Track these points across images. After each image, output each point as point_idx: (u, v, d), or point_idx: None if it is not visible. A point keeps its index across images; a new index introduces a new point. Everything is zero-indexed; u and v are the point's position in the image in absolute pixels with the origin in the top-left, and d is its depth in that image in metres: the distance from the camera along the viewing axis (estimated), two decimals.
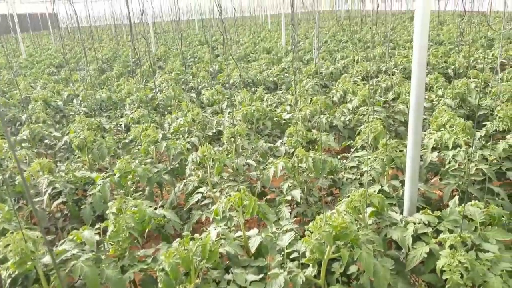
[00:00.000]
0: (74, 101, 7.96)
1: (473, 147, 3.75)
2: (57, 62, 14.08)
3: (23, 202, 4.15)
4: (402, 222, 2.66)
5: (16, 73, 11.51)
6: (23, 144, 5.48)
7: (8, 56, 14.98)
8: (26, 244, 2.22)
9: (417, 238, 2.47)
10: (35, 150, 5.28)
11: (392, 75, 7.47)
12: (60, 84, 9.63)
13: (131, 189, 4.01)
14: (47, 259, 2.32)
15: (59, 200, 3.87)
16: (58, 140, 5.69)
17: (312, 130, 4.89)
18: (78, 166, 4.52)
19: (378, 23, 14.78)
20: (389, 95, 6.21)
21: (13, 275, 2.29)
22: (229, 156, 4.14)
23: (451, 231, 2.43)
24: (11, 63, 13.80)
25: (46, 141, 5.79)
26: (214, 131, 5.53)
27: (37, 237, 2.35)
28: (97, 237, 2.59)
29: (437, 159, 3.96)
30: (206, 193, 3.75)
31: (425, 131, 4.56)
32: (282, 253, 2.44)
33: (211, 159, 3.77)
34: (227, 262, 2.52)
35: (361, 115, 5.40)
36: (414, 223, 2.52)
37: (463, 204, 2.64)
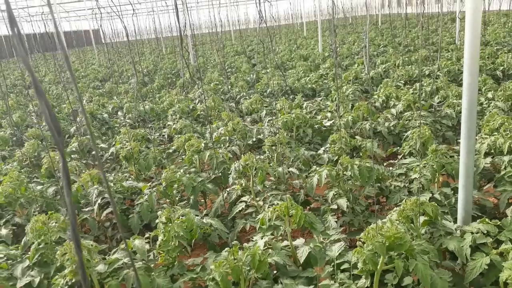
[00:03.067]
0: (119, 113, 8.24)
1: None
2: (101, 76, 14.67)
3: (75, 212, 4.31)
4: (457, 232, 2.54)
5: (64, 88, 12.08)
6: (72, 156, 5.73)
7: (55, 72, 15.78)
8: (82, 253, 2.29)
9: (475, 248, 2.34)
10: (84, 162, 5.50)
11: (437, 78, 7.22)
12: (105, 97, 10.02)
13: (177, 198, 4.07)
14: (101, 267, 2.39)
15: (108, 210, 3.99)
16: (105, 152, 5.90)
17: (355, 137, 4.80)
18: (125, 176, 4.65)
19: (418, 26, 14.40)
20: (435, 99, 6.00)
21: (69, 283, 2.37)
22: (271, 164, 4.13)
23: None
24: (59, 79, 14.51)
25: (93, 152, 6.01)
26: (254, 139, 5.54)
27: (91, 245, 2.43)
28: (147, 246, 2.64)
29: (490, 165, 3.77)
30: (249, 201, 3.75)
31: (476, 135, 4.35)
32: (332, 263, 2.39)
33: (254, 168, 3.78)
34: (275, 272, 2.50)
35: (406, 120, 5.24)
36: (472, 233, 2.39)
37: None
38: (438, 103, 5.93)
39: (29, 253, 2.78)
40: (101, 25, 4.84)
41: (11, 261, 2.89)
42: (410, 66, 8.54)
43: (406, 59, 9.88)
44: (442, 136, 5.19)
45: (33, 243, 2.74)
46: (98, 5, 4.78)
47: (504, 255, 2.20)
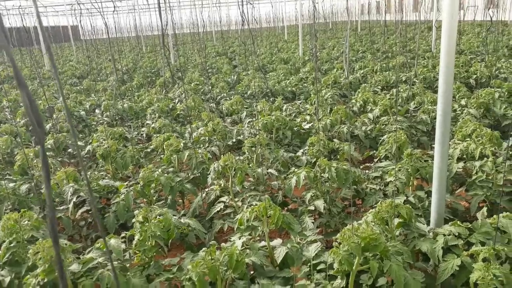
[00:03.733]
0: (97, 111, 8.11)
1: (502, 157, 3.67)
2: (79, 73, 14.38)
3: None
4: (430, 234, 2.61)
5: (40, 84, 11.80)
6: (48, 153, 5.59)
7: (32, 67, 15.41)
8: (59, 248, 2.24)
9: (447, 250, 2.41)
10: (59, 159, 5.38)
11: (413, 85, 7.40)
12: (82, 94, 9.83)
13: (154, 198, 4.03)
14: (74, 267, 2.34)
15: (84, 209, 3.92)
16: (81, 150, 5.78)
17: (333, 140, 4.86)
18: (102, 175, 4.58)
19: (396, 33, 14.72)
20: (411, 105, 6.14)
21: (41, 283, 2.31)
22: (250, 165, 4.14)
23: (483, 244, 2.36)
24: (35, 74, 14.16)
25: (69, 150, 5.89)
26: (234, 140, 5.55)
27: (65, 244, 2.38)
28: (123, 246, 2.61)
29: (462, 169, 3.89)
30: (228, 202, 3.75)
31: (449, 141, 4.48)
32: (309, 264, 2.41)
33: (233, 169, 3.78)
34: (253, 272, 2.50)
35: (382, 124, 5.35)
36: (444, 235, 2.46)
37: (494, 216, 2.58)
38: (413, 108, 6.07)
39: None
40: (80, 22, 4.76)
41: None
42: (387, 72, 8.71)
43: (384, 65, 10.08)
44: (417, 141, 5.31)
45: (4, 241, 2.66)
46: (78, 1, 4.69)
47: (475, 256, 2.27)
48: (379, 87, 8.06)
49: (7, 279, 2.52)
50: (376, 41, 16.72)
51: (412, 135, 5.35)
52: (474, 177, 3.58)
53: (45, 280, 2.28)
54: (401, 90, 6.90)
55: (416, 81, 7.98)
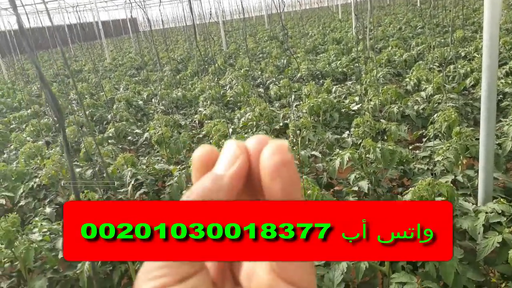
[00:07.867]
0: (153, 100, 8.55)
1: None
2: (137, 65, 15.11)
3: (111, 193, 4.61)
4: (473, 212, 2.56)
5: (102, 76, 12.59)
6: (109, 141, 6.05)
7: (94, 61, 16.40)
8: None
9: (489, 227, 2.36)
10: (120, 146, 5.80)
11: (472, 60, 6.99)
12: (140, 84, 10.37)
13: None
14: None
15: (141, 191, 4.24)
16: (140, 137, 6.19)
17: (382, 120, 4.79)
18: (158, 159, 4.89)
19: (459, 5, 13.83)
20: (467, 82, 5.84)
21: None
22: (294, 148, 4.22)
23: None
24: (97, 67, 15.11)
25: (129, 137, 6.32)
26: (281, 124, 5.64)
27: None
28: None
29: None
30: None
31: (507, 118, 4.25)
32: None
33: None
34: None
35: (436, 103, 5.16)
36: (486, 212, 2.41)
37: None
38: (471, 86, 5.77)
39: None
40: (131, 15, 5.05)
41: (53, 235, 3.19)
42: (445, 48, 8.27)
43: (443, 40, 9.56)
44: (474, 118, 5.07)
45: None
46: None
47: None
48: (436, 64, 7.70)
49: None
50: (436, 15, 15.80)
51: (467, 113, 5.11)
52: None
53: None
54: (459, 66, 6.56)
55: (477, 55, 7.53)
